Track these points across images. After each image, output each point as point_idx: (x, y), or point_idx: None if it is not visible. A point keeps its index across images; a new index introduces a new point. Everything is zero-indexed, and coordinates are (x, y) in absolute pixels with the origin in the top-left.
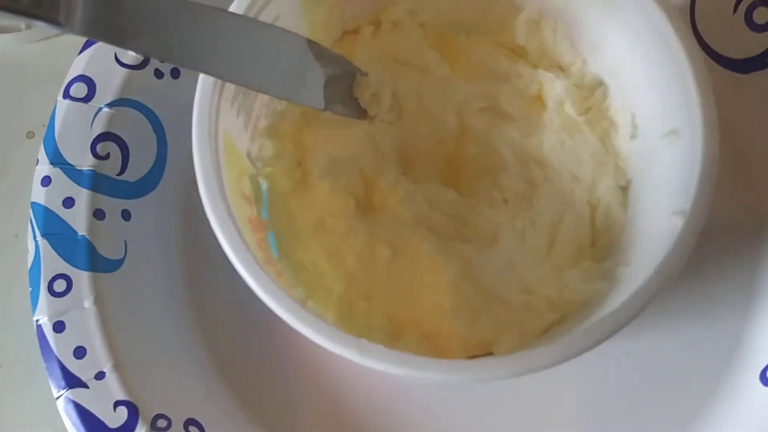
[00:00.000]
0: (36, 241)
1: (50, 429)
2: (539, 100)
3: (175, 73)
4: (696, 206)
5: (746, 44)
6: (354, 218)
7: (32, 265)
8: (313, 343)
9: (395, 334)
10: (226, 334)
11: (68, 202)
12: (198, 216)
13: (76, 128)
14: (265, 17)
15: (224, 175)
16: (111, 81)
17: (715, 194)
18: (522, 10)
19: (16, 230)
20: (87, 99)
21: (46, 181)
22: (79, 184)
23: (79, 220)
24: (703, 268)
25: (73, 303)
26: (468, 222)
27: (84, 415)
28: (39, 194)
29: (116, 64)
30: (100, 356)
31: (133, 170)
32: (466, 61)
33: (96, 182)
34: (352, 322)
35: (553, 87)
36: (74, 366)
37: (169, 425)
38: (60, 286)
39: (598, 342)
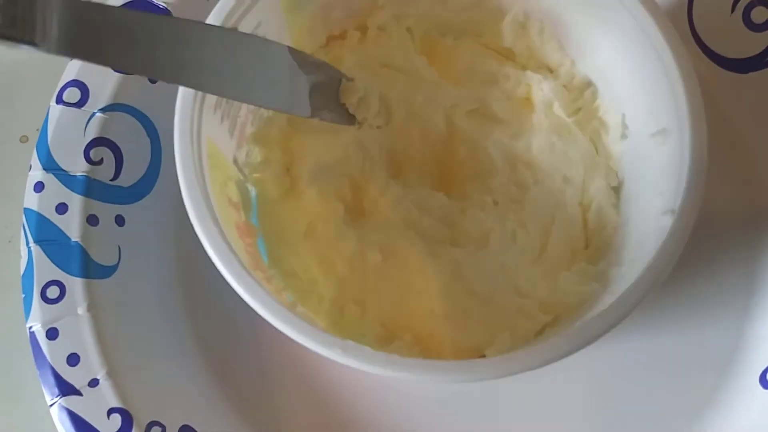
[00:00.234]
0: (29, 248)
1: None
2: (528, 102)
3: None
4: (685, 205)
5: (745, 44)
6: (343, 223)
7: (25, 271)
8: (307, 349)
9: (388, 339)
10: (221, 340)
11: (61, 208)
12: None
13: (70, 133)
14: (246, 24)
15: (208, 181)
16: (104, 86)
17: (714, 193)
18: (508, 12)
19: (9, 236)
20: (80, 104)
21: (39, 186)
22: (73, 190)
23: (72, 226)
24: (702, 269)
25: (66, 310)
26: (458, 225)
27: (78, 422)
28: (32, 200)
29: (109, 68)
30: (93, 363)
31: (126, 175)
32: (453, 64)
33: (89, 188)
34: (344, 327)
35: (541, 88)
36: (68, 373)
37: None
38: (53, 292)
39: (588, 342)
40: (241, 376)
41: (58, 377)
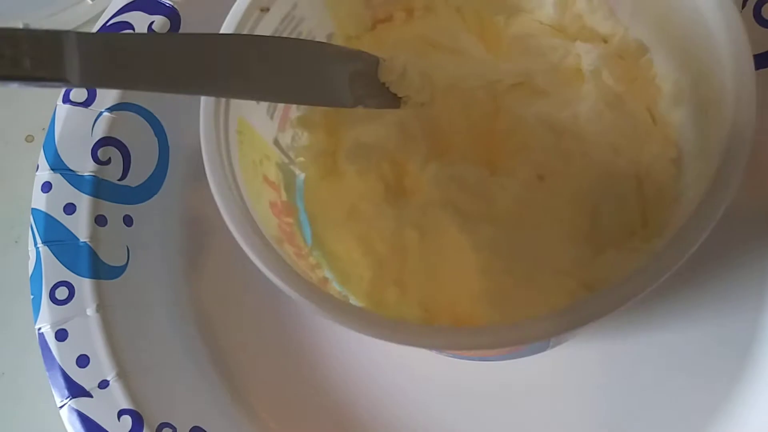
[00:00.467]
0: (37, 248)
1: None
2: (578, 73)
3: None
4: (727, 170)
5: (755, 40)
6: (384, 203)
7: (33, 272)
8: (321, 349)
9: (428, 320)
10: (231, 340)
11: (69, 208)
12: (201, 220)
13: (77, 133)
14: (291, 20)
15: (234, 154)
16: None
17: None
18: None
19: (17, 236)
20: (87, 103)
21: (47, 186)
22: (80, 190)
23: (80, 226)
24: (714, 267)
25: (75, 311)
26: (499, 202)
27: (88, 424)
28: (40, 200)
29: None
30: (103, 364)
31: (134, 175)
32: (502, 41)
33: (97, 188)
34: (385, 309)
35: (590, 57)
36: (77, 375)
37: None
38: (62, 293)
39: (602, 314)
40: (252, 377)
41: (67, 379)
